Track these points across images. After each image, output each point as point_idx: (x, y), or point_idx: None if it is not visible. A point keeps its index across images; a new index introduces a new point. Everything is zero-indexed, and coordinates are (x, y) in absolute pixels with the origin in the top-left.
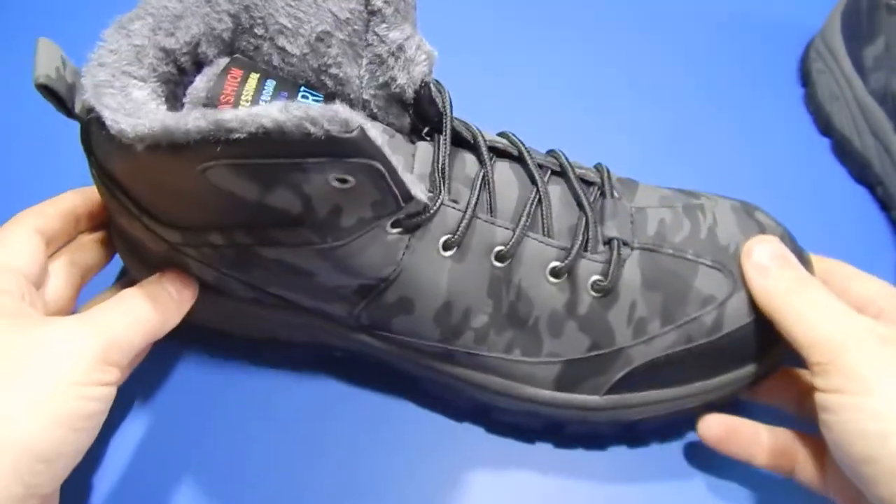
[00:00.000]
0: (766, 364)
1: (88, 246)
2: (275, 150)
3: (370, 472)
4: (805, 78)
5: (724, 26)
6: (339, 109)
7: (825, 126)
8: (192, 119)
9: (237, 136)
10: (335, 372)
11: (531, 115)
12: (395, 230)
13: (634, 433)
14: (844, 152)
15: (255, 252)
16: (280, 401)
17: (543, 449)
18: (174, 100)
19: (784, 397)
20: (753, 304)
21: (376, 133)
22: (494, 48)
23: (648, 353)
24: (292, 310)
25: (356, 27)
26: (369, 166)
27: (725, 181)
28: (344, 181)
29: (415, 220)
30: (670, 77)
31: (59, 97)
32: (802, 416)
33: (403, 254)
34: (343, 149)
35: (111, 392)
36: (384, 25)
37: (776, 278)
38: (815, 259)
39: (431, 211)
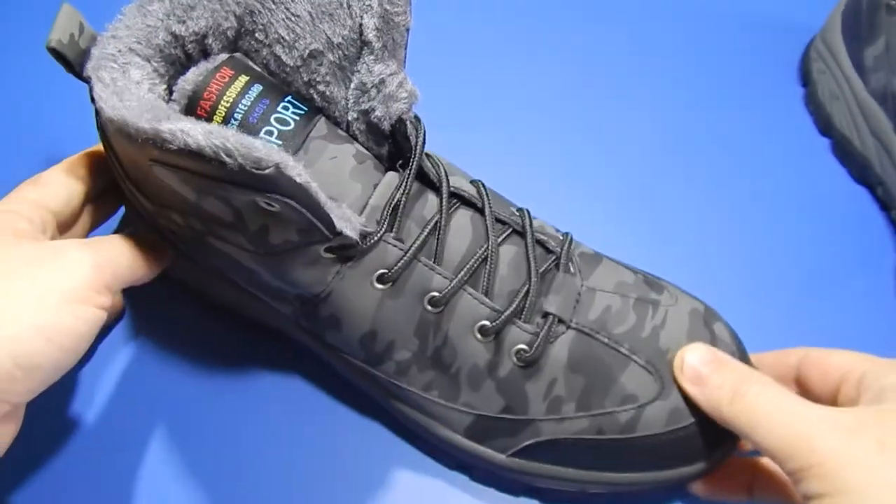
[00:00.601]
0: (680, 473)
1: (107, 195)
2: (203, 167)
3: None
4: (805, 78)
5: (723, 27)
6: (257, 146)
7: (825, 126)
8: (142, 121)
9: (170, 146)
10: (272, 361)
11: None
12: (328, 255)
13: (541, 495)
14: (844, 152)
15: (208, 240)
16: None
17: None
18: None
19: (732, 491)
20: (675, 415)
21: (297, 170)
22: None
23: (557, 431)
24: (249, 293)
25: (347, 52)
26: (285, 201)
27: (725, 181)
28: (270, 205)
29: (348, 252)
30: (670, 77)
31: (67, 61)
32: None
33: (333, 278)
34: (258, 183)
35: (100, 317)
36: (371, 57)
37: (716, 386)
38: (786, 353)
39: (363, 246)
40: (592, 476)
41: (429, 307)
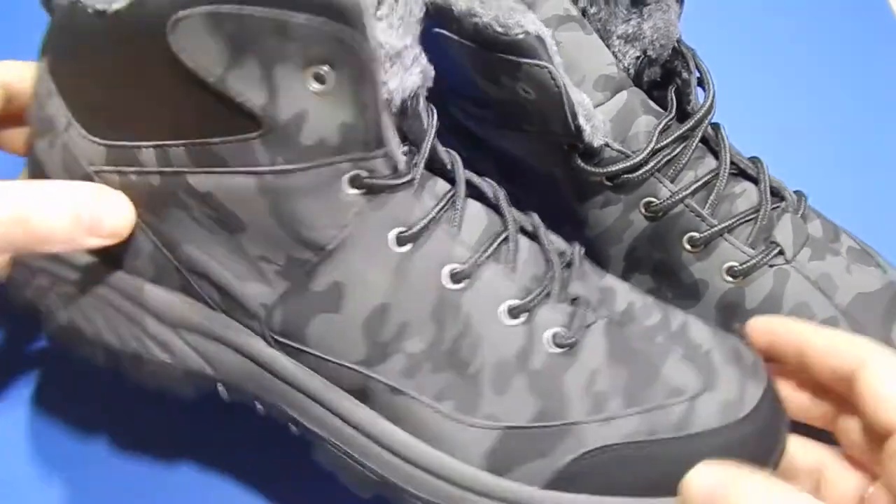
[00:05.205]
0: None
1: None
2: None
3: None
4: None
5: None
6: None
7: None
8: None
9: None
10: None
11: None
12: (352, 191)
13: None
14: None
15: (186, 183)
16: None
17: None
18: None
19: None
20: (729, 409)
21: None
22: None
23: (605, 436)
24: (194, 295)
25: None
26: (355, 57)
27: None
28: (321, 79)
29: (379, 182)
30: None
31: None
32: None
33: (351, 219)
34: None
35: None
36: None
37: None
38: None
39: (404, 179)
40: None
41: (449, 282)
